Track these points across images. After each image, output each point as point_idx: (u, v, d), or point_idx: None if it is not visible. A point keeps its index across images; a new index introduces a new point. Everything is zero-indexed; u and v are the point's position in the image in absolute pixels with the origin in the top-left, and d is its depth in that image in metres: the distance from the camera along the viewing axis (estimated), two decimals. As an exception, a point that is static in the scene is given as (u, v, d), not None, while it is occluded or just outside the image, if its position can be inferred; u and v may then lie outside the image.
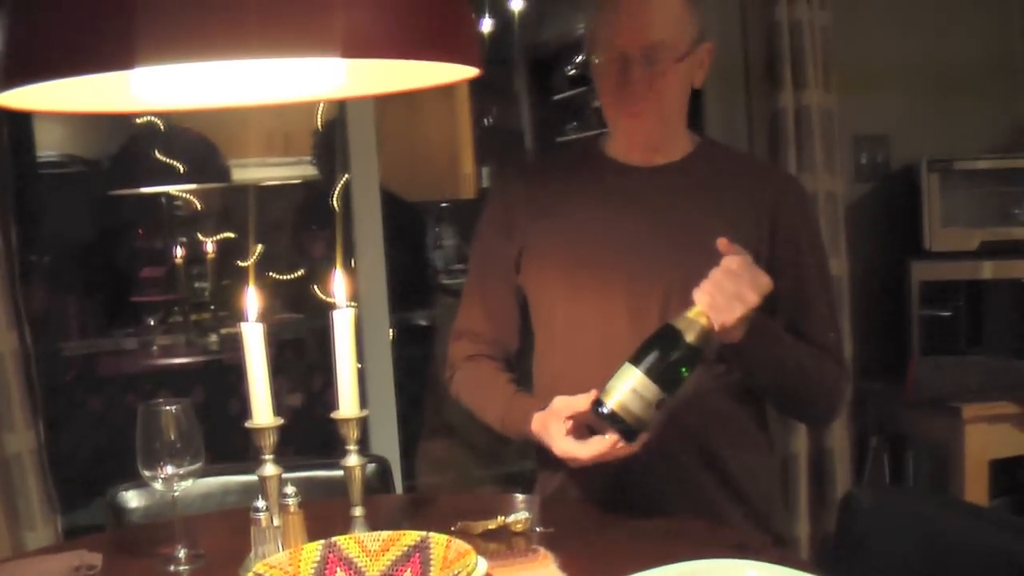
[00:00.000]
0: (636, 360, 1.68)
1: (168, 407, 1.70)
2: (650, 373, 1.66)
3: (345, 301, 1.69)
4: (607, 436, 1.75)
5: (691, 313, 1.70)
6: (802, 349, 1.98)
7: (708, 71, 2.04)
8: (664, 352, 1.67)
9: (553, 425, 1.83)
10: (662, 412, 1.70)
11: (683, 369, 1.68)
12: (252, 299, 1.65)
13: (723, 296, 1.70)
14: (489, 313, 2.14)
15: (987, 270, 3.42)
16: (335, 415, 1.69)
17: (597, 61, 1.98)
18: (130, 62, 1.22)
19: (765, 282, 1.73)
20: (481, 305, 2.15)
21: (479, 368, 2.12)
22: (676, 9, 1.96)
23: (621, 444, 1.73)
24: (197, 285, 5.16)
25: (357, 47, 1.27)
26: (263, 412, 1.64)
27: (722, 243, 1.74)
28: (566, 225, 2.04)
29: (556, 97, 6.45)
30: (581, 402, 1.78)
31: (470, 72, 1.45)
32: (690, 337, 1.68)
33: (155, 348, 4.72)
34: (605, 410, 1.67)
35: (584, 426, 1.81)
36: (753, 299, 1.71)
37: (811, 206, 2.20)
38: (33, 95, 1.43)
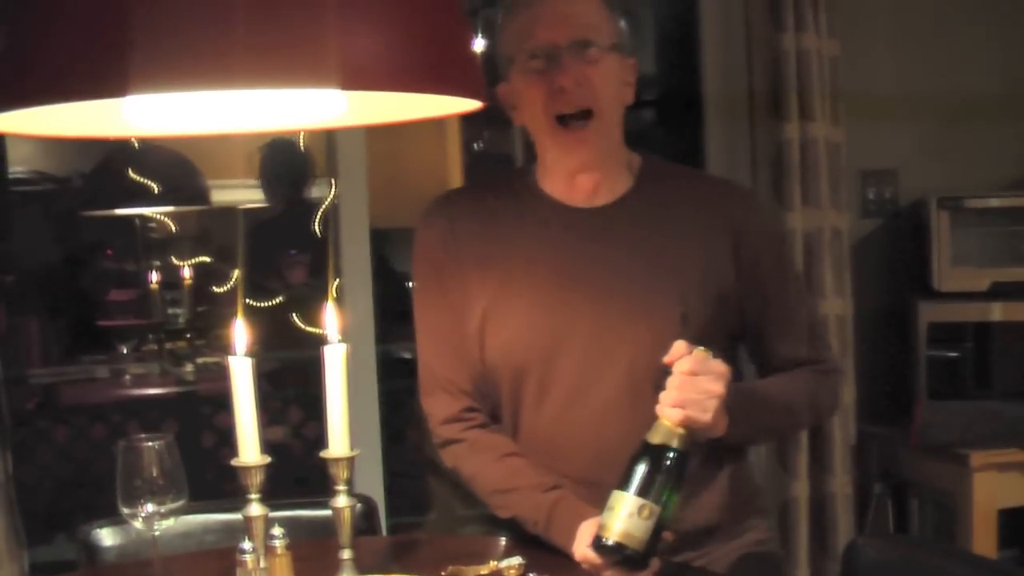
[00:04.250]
0: (624, 484, 1.68)
1: (150, 443, 1.73)
2: (643, 493, 1.67)
3: (337, 336, 1.71)
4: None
5: (666, 423, 1.71)
6: (791, 392, 2.02)
7: (635, 89, 2.01)
8: (652, 468, 1.68)
9: (584, 528, 1.80)
10: (665, 527, 1.70)
11: (675, 479, 1.69)
12: (240, 331, 1.67)
13: (692, 402, 1.71)
14: (461, 357, 2.05)
15: (997, 311, 3.46)
16: (324, 454, 1.71)
17: (516, 69, 1.95)
18: (123, 90, 1.26)
19: (723, 369, 1.75)
20: (449, 350, 2.06)
21: (489, 449, 2.03)
22: (598, 5, 1.96)
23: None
24: (171, 311, 5.17)
25: (356, 79, 1.31)
26: (250, 450, 1.66)
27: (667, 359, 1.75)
28: (525, 290, 1.99)
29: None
30: None
31: (473, 104, 1.49)
32: (674, 444, 1.70)
33: (127, 377, 4.72)
34: (609, 543, 1.67)
35: None
36: (719, 390, 1.73)
37: (774, 217, 2.20)
38: (23, 119, 1.46)
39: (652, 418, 1.73)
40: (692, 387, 1.72)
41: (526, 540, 1.96)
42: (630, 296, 1.95)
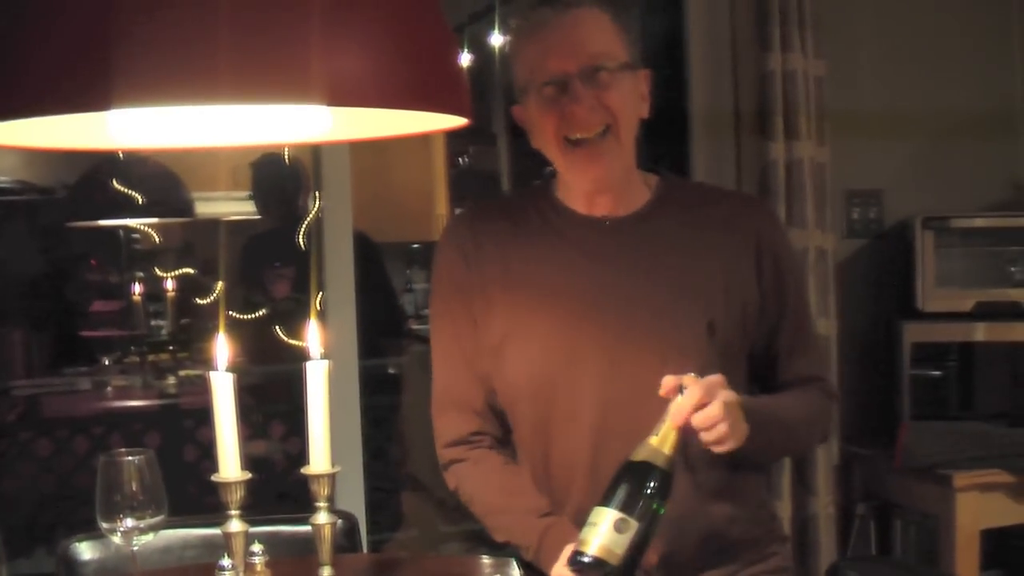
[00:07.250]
0: (607, 500, 1.68)
1: (130, 458, 1.72)
2: (624, 509, 1.66)
3: (319, 351, 1.71)
4: None
5: (654, 442, 1.70)
6: (801, 407, 2.02)
7: (651, 101, 2.00)
8: (635, 486, 1.68)
9: (568, 550, 1.77)
10: (645, 547, 1.69)
11: (658, 498, 1.68)
12: (222, 346, 1.66)
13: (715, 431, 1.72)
14: (476, 377, 2.05)
15: (981, 332, 3.47)
16: (306, 470, 1.70)
17: (530, 97, 1.94)
18: (107, 103, 1.25)
19: (732, 399, 1.75)
20: (465, 369, 2.06)
21: (491, 469, 2.05)
22: (607, 23, 1.94)
23: None
24: (154, 323, 5.15)
25: (341, 95, 1.31)
26: (230, 465, 1.65)
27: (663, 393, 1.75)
28: (549, 307, 1.98)
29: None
30: None
31: (459, 121, 1.48)
32: (658, 463, 1.69)
33: (109, 389, 4.70)
34: (587, 559, 1.66)
35: None
36: (720, 411, 1.72)
37: (782, 224, 2.21)
38: (8, 131, 1.46)
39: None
40: (703, 420, 1.72)
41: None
42: (656, 306, 1.94)
